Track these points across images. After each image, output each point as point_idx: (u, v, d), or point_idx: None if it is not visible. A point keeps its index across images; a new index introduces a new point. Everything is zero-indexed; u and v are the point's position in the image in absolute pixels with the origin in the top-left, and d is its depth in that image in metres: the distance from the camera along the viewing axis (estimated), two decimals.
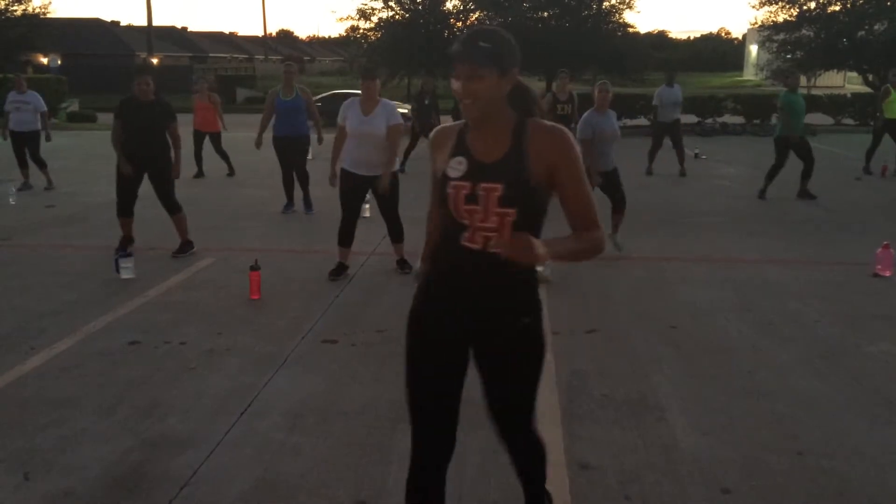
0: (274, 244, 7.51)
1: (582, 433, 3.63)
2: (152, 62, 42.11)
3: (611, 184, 7.06)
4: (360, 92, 6.20)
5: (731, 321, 5.35)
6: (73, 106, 24.69)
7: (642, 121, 19.10)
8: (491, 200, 2.13)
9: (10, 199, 9.78)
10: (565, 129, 2.18)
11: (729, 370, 4.46)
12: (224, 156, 12.35)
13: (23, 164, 10.99)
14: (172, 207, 6.96)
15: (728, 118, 20.57)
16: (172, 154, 6.89)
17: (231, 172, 12.28)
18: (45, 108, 11.10)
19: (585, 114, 7.12)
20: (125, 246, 6.78)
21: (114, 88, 39.30)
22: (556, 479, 3.12)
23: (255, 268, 5.78)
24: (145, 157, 6.78)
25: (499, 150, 2.16)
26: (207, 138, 12.24)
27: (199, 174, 11.96)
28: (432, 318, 2.31)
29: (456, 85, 2.11)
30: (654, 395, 4.10)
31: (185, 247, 7.00)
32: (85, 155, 14.86)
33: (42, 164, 11.03)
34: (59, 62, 30.63)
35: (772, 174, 10.23)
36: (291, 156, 9.05)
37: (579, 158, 2.18)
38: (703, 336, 5.06)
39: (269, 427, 3.70)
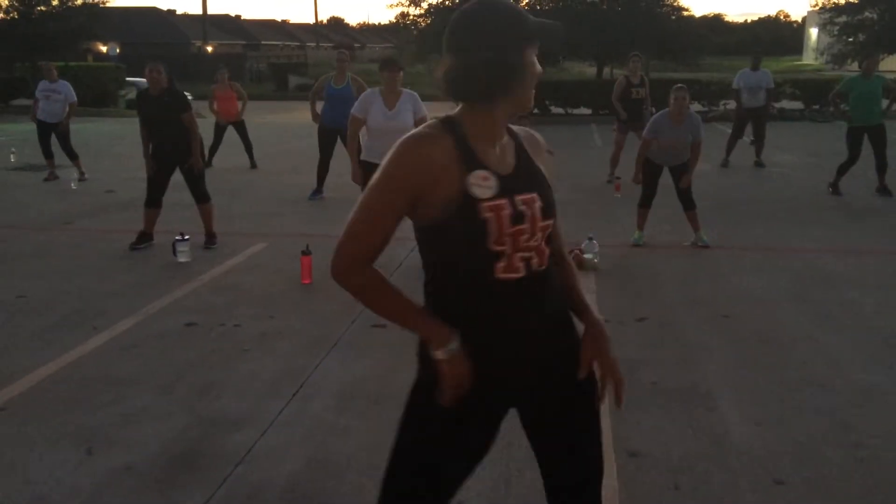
0: (325, 229, 7.57)
1: (631, 421, 3.61)
2: (207, 49, 42.88)
3: (679, 176, 6.78)
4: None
5: (786, 311, 5.24)
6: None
7: (696, 106, 18.74)
8: (536, 212, 1.74)
9: (73, 185, 10.10)
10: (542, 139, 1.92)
11: (783, 360, 4.38)
12: (249, 148, 11.89)
13: (47, 154, 10.76)
14: (201, 196, 6.91)
15: (786, 103, 20.04)
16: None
17: (253, 165, 11.83)
18: (75, 99, 10.87)
19: (658, 114, 6.80)
20: (142, 241, 6.84)
21: (172, 76, 40.08)
22: (605, 466, 3.11)
23: (306, 252, 5.87)
24: (169, 148, 6.74)
25: (508, 157, 1.79)
26: (232, 129, 11.74)
27: (208, 164, 11.68)
28: (473, 393, 1.77)
29: (539, 67, 1.77)
30: (705, 384, 4.05)
31: (212, 239, 6.92)
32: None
33: (74, 156, 10.80)
34: (118, 50, 31.39)
35: (842, 169, 9.37)
36: (333, 148, 9.05)
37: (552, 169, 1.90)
38: (756, 325, 4.97)
39: (320, 408, 3.78)
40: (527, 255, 1.74)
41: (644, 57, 26.60)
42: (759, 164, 11.88)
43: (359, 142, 6.34)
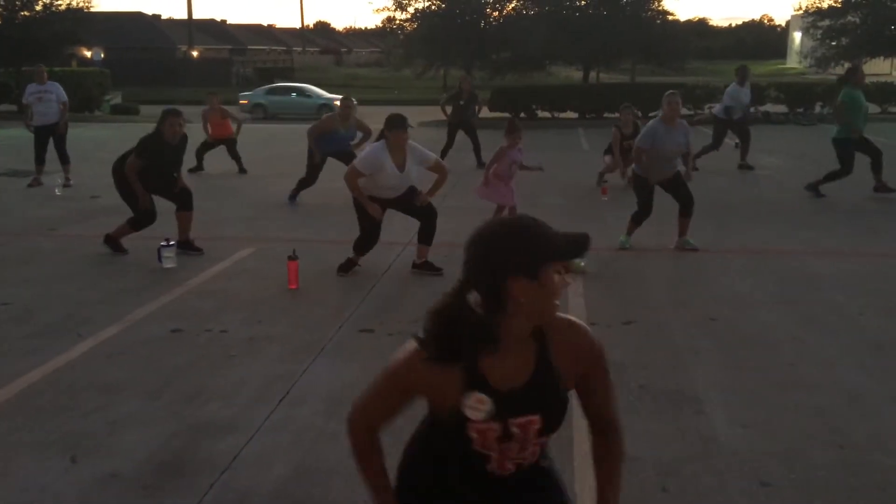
0: (312, 235, 7.58)
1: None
2: (193, 54, 42.75)
3: (674, 186, 6.84)
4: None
5: (773, 313, 5.27)
6: (116, 98, 25.16)
7: (682, 110, 18.84)
8: (530, 434, 1.73)
9: (57, 191, 10.01)
10: (586, 327, 1.84)
11: (770, 362, 4.40)
12: (237, 157, 11.97)
13: (40, 161, 10.66)
14: (189, 204, 6.96)
15: (770, 107, 20.20)
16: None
17: (242, 171, 11.92)
18: (66, 99, 10.83)
19: (651, 121, 6.86)
20: (120, 248, 6.90)
21: (156, 81, 40.06)
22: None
23: (293, 257, 5.85)
24: (167, 190, 6.92)
25: (524, 370, 1.72)
26: (222, 145, 11.98)
27: (199, 168, 11.69)
28: None
29: (562, 283, 1.67)
30: (692, 387, 4.06)
31: (192, 245, 6.92)
32: (128, 147, 15.10)
33: (66, 160, 10.76)
34: (103, 55, 31.15)
35: (832, 177, 9.29)
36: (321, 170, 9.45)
37: (605, 355, 1.84)
38: (743, 328, 4.99)
39: (307, 414, 3.76)
40: (520, 460, 1.76)
41: (632, 62, 26.37)
42: (744, 167, 11.93)
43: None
